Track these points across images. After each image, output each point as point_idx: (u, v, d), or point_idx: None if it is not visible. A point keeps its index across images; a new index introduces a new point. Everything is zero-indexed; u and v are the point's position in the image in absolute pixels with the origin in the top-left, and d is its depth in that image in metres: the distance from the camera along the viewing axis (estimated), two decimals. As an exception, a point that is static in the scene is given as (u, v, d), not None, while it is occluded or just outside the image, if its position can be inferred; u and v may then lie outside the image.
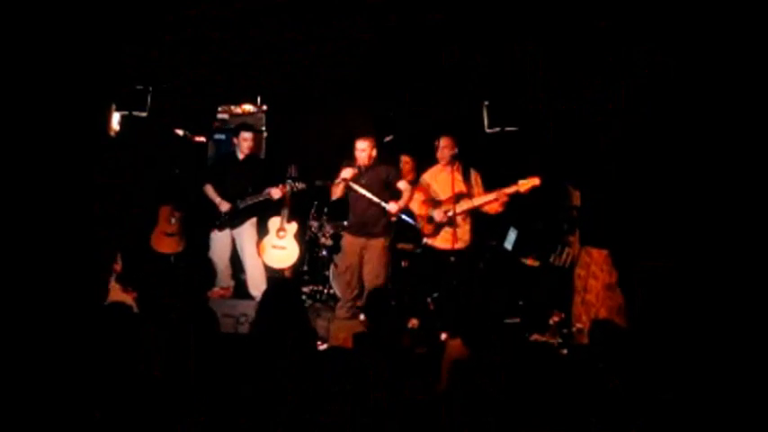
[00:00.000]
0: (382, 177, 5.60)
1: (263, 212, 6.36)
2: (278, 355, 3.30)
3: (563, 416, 2.97)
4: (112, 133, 6.62)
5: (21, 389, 2.80)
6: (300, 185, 6.10)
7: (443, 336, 4.96)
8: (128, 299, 5.06)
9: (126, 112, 6.54)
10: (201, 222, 6.59)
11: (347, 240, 5.79)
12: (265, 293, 3.84)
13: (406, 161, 6.73)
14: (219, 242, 6.19)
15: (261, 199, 6.08)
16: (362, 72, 6.61)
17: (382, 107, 7.34)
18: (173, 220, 6.57)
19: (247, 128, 6.29)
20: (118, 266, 5.61)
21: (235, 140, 6.21)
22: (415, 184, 5.90)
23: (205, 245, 6.39)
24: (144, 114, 6.53)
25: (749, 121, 4.44)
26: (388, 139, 6.89)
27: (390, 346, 3.40)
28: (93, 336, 3.13)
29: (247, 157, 6.19)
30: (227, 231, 6.17)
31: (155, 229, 6.55)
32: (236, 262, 6.35)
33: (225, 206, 6.07)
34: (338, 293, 6.16)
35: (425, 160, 6.09)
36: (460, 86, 6.61)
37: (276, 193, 6.03)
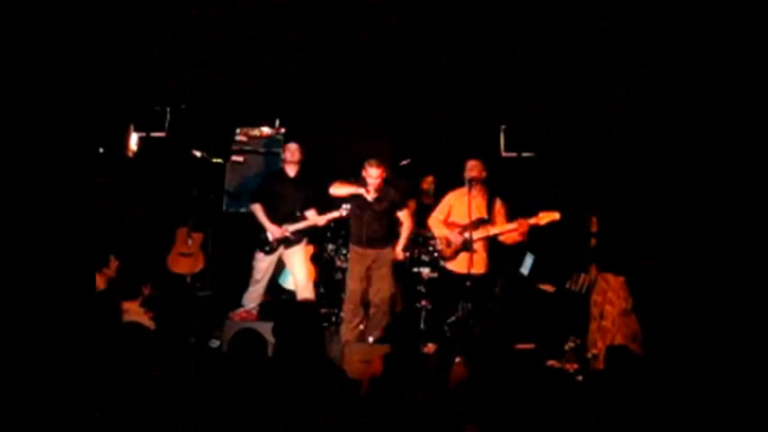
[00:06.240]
0: (389, 199, 5.66)
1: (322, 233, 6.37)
2: (281, 356, 3.32)
3: (563, 416, 2.97)
4: (131, 154, 6.68)
5: (20, 388, 2.80)
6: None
7: (457, 360, 4.93)
8: (145, 319, 5.08)
9: (144, 134, 6.63)
10: (228, 243, 6.70)
11: (355, 251, 5.75)
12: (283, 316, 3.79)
13: (429, 181, 6.78)
14: (266, 262, 6.03)
15: (306, 227, 5.96)
16: (362, 72, 6.62)
17: (396, 127, 7.34)
18: (189, 242, 6.60)
19: (292, 139, 6.15)
20: (146, 290, 5.61)
21: (283, 156, 6.10)
22: (434, 205, 5.94)
23: (231, 264, 6.41)
24: (162, 135, 6.60)
25: (749, 121, 4.43)
26: (404, 162, 6.89)
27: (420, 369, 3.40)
28: (94, 338, 3.13)
29: (298, 174, 6.01)
30: (276, 252, 6.04)
31: (171, 249, 6.60)
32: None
33: (276, 233, 5.92)
34: (345, 314, 5.92)
35: (444, 183, 6.14)
36: (460, 87, 6.62)
37: (321, 220, 5.91)
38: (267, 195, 6.03)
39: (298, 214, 5.97)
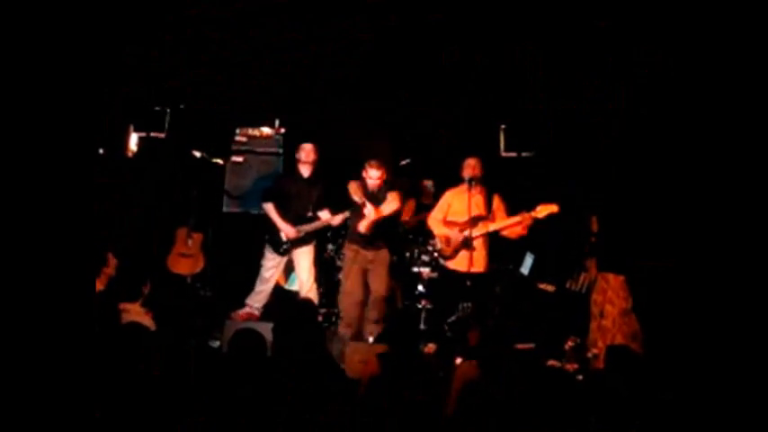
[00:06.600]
0: (383, 195, 5.69)
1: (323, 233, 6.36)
2: (281, 356, 3.32)
3: (563, 416, 2.97)
4: (130, 154, 6.68)
5: (21, 388, 2.80)
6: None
7: (458, 360, 4.92)
8: (145, 319, 5.08)
9: (144, 134, 6.63)
10: (228, 243, 6.70)
11: (352, 250, 5.74)
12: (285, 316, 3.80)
13: (426, 185, 6.84)
14: (276, 261, 6.00)
15: (319, 227, 5.96)
16: (362, 72, 6.62)
17: (396, 127, 7.34)
18: (189, 242, 6.60)
19: (302, 140, 6.08)
20: (146, 289, 5.63)
21: (297, 156, 6.02)
22: (434, 204, 5.95)
23: (231, 264, 6.43)
24: (162, 135, 6.61)
25: (749, 121, 4.44)
26: (404, 162, 6.89)
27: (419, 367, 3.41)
28: (93, 338, 3.14)
29: (313, 174, 5.99)
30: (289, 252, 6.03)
31: (171, 250, 6.60)
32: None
33: (290, 233, 5.86)
34: (342, 310, 5.90)
35: (444, 183, 6.12)
36: (460, 87, 6.62)
37: (335, 220, 5.87)
38: (279, 195, 5.98)
39: (310, 215, 5.95)
